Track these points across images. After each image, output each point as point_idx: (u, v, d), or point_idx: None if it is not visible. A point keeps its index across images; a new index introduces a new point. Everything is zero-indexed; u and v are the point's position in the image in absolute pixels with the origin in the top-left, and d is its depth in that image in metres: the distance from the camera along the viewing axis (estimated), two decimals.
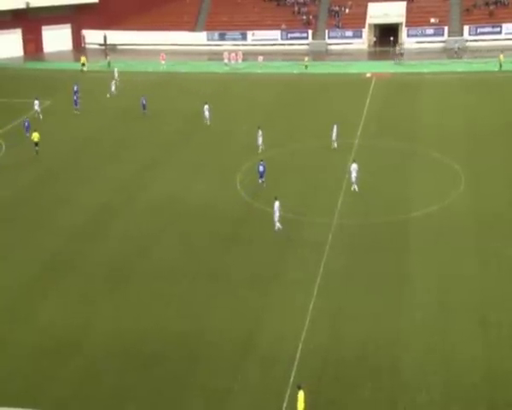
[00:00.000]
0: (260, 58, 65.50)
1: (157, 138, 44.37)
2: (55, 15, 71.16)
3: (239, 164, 39.32)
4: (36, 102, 48.50)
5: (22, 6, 68.47)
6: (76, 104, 50.06)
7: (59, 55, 68.22)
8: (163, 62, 64.97)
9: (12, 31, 69.74)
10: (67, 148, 43.16)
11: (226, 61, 65.96)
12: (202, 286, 27.12)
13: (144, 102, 48.95)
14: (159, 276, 27.88)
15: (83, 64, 63.58)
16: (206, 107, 46.47)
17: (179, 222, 32.58)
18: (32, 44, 71.54)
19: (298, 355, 22.56)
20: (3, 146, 43.71)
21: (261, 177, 36.41)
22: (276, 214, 30.71)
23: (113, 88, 53.79)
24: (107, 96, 52.95)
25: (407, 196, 34.65)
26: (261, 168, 36.46)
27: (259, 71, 62.36)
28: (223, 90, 56.37)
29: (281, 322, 24.61)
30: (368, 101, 51.36)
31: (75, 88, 51.41)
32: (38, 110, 48.34)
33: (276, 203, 30.73)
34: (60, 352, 23.29)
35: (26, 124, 44.46)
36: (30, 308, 25.97)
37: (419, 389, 20.93)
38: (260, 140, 40.54)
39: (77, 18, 73.09)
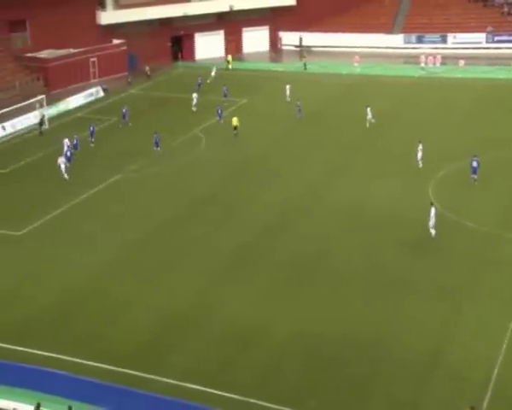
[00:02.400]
0: (461, 62, 61.90)
1: (339, 142, 43.38)
2: (254, 18, 74.00)
3: (432, 171, 37.27)
4: (195, 95, 52.27)
5: (226, 9, 72.25)
6: (226, 96, 53.66)
7: (256, 56, 70.64)
8: (356, 65, 64.32)
9: (216, 32, 73.83)
10: (253, 147, 43.67)
11: (423, 64, 63.44)
12: (385, 293, 26.09)
13: (299, 104, 48.69)
14: (340, 279, 27.30)
15: (228, 62, 65.99)
16: (368, 109, 45.33)
17: (364, 226, 31.63)
18: (233, 45, 74.99)
19: (493, 379, 20.71)
20: (204, 139, 46.06)
21: (474, 173, 34.86)
22: (432, 221, 29.51)
23: (288, 93, 52.97)
24: (287, 100, 52.64)
25: None
26: (475, 164, 34.92)
27: (459, 76, 58.93)
28: (416, 94, 54.13)
29: (474, 340, 22.89)
30: None
31: (199, 80, 57.13)
32: (194, 102, 52.14)
33: (432, 209, 29.51)
34: (243, 343, 23.71)
35: (219, 111, 49.04)
36: (217, 298, 26.72)
37: None
38: (420, 155, 37.77)
39: (274, 20, 75.17)
